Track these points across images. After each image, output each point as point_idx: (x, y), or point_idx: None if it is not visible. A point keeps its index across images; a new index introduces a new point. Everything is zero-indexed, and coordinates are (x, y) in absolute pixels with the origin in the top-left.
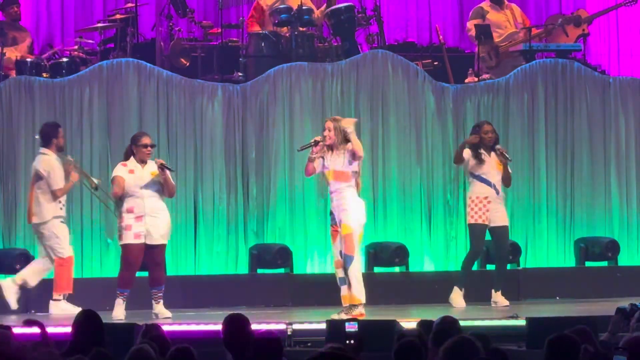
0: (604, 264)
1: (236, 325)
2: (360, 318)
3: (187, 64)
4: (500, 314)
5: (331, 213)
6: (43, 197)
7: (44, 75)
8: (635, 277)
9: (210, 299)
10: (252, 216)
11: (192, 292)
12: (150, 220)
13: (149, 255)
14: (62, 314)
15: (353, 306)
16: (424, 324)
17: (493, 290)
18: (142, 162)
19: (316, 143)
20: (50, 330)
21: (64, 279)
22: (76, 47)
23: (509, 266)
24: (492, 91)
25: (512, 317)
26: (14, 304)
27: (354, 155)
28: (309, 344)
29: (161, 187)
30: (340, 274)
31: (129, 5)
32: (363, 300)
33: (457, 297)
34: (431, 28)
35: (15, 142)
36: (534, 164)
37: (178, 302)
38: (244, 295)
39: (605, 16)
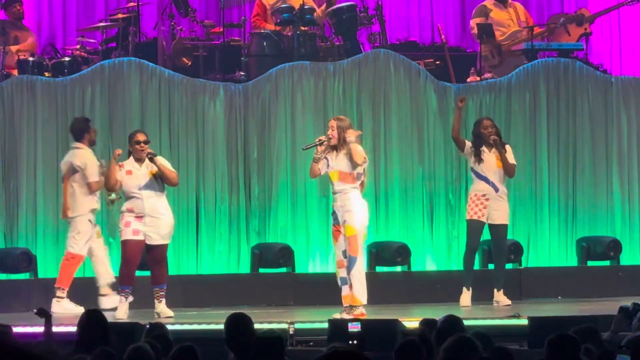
0: (606, 263)
1: (239, 324)
2: (361, 318)
3: (189, 63)
4: (502, 313)
5: (333, 213)
6: (80, 191)
7: (46, 75)
8: (638, 276)
9: (212, 298)
10: (254, 215)
11: (194, 292)
12: (150, 220)
13: (150, 255)
14: (64, 312)
15: (354, 307)
16: (426, 323)
17: (495, 290)
18: (140, 160)
19: (321, 142)
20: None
21: (65, 274)
22: (78, 46)
23: (510, 265)
24: (494, 90)
25: (514, 317)
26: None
27: (353, 162)
28: (310, 344)
29: (162, 183)
30: (341, 273)
31: (131, 4)
32: (364, 302)
33: (463, 297)
34: (433, 27)
35: (17, 141)
36: (536, 163)
37: (180, 302)
38: (245, 295)
39: (607, 15)
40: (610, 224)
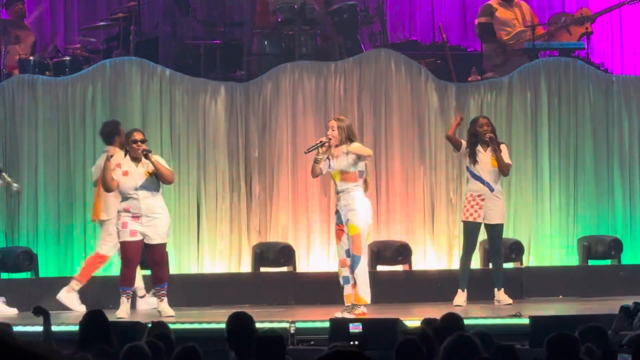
0: (607, 262)
1: (240, 323)
2: (362, 317)
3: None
4: (503, 312)
5: (337, 212)
6: (113, 194)
7: (47, 74)
8: (639, 276)
9: (213, 297)
10: (255, 214)
11: (195, 291)
12: (148, 220)
13: (149, 255)
14: (65, 303)
15: (355, 305)
16: (427, 323)
17: (495, 289)
18: (136, 159)
19: (322, 144)
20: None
21: (88, 269)
22: (79, 45)
23: (511, 264)
24: (495, 89)
25: (515, 316)
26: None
27: (359, 157)
28: (312, 343)
29: (158, 183)
30: (344, 272)
31: (132, 3)
32: (368, 301)
33: (457, 297)
34: (434, 26)
35: (18, 140)
36: (537, 163)
37: (181, 301)
38: (247, 294)
39: (609, 14)
40: (611, 223)
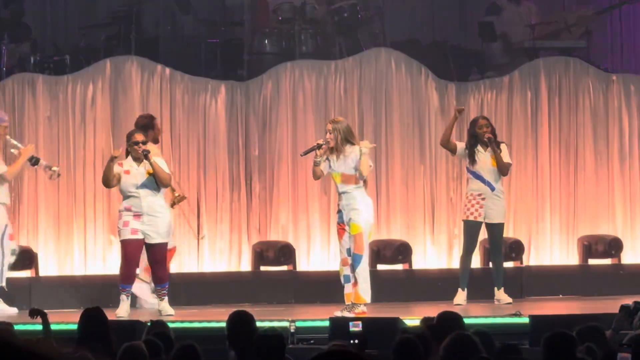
0: (608, 261)
1: (241, 322)
2: (362, 316)
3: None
4: (503, 311)
5: (339, 211)
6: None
7: (48, 72)
8: (639, 275)
9: (213, 296)
10: (255, 213)
11: (196, 290)
12: (149, 219)
13: (150, 254)
14: (138, 293)
15: (355, 304)
16: (427, 321)
17: (495, 288)
18: (138, 159)
19: (319, 146)
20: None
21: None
22: (80, 44)
23: (511, 264)
24: (496, 88)
25: (515, 315)
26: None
27: (359, 172)
28: (312, 341)
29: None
30: (345, 271)
31: (133, 1)
32: (368, 300)
33: (457, 296)
34: (434, 25)
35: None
36: (537, 161)
37: (181, 300)
38: (247, 293)
39: (609, 13)
40: (611, 222)
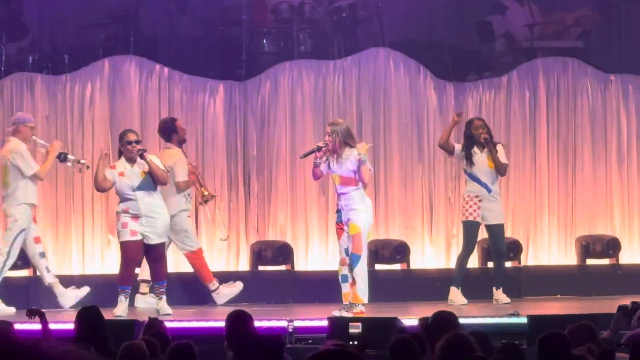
0: (605, 261)
1: (239, 321)
2: (360, 316)
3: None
4: (501, 311)
5: (338, 211)
6: (169, 191)
7: (46, 72)
8: (637, 275)
9: (212, 296)
10: (253, 213)
11: (194, 289)
12: (147, 221)
13: (149, 254)
14: (228, 297)
15: (354, 304)
16: (425, 321)
17: (494, 288)
18: (131, 160)
19: (319, 149)
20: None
21: (204, 269)
22: (79, 43)
23: (509, 264)
24: (494, 88)
25: (513, 315)
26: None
27: (361, 180)
28: (310, 341)
29: (154, 182)
30: (343, 271)
31: (132, 1)
32: (365, 300)
33: (455, 295)
34: (433, 25)
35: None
36: (535, 162)
37: (179, 299)
38: (245, 292)
39: (607, 13)
40: (609, 222)
